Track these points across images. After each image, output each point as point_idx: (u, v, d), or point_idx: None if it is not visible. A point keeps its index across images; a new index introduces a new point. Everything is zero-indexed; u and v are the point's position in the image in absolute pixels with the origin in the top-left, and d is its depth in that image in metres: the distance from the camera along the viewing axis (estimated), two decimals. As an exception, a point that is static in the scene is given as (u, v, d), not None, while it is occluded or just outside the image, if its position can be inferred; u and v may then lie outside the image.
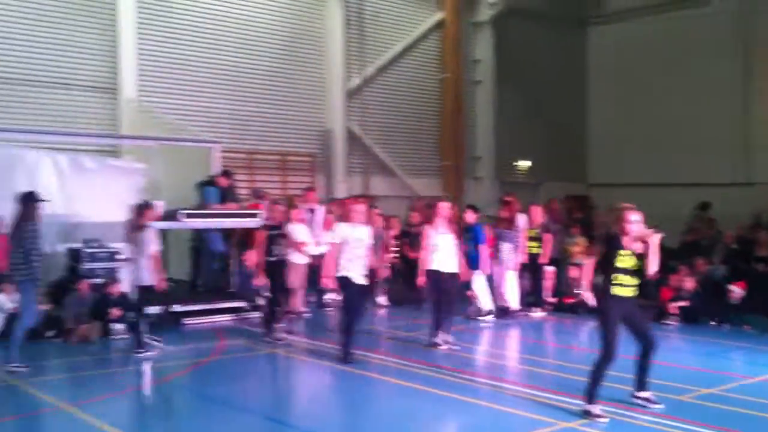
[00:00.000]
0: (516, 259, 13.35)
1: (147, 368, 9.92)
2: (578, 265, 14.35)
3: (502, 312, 13.10)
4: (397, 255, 14.99)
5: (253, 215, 13.07)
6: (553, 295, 14.15)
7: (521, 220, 13.58)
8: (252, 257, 12.93)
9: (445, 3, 21.69)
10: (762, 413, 7.48)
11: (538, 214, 13.98)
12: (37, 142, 13.89)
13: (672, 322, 12.63)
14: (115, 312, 11.11)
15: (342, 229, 9.88)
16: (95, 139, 15.51)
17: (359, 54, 19.97)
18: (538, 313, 13.49)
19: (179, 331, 12.14)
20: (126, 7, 16.34)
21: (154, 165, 14.36)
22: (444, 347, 10.48)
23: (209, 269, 13.96)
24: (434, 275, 10.62)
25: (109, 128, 16.21)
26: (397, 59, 21.11)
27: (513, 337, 12.21)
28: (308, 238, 13.37)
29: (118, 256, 12.11)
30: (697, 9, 21.55)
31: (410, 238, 14.68)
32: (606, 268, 7.36)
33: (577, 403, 7.50)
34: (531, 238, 13.65)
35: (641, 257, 7.34)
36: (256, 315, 12.69)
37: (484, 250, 12.53)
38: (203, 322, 12.55)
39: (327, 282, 10.01)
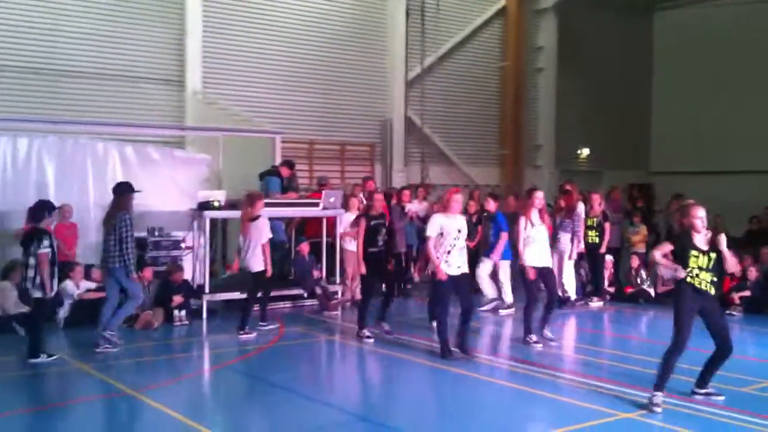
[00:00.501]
0: (574, 249, 13.22)
1: (209, 354, 10.19)
2: (639, 255, 14.21)
3: (561, 302, 13.00)
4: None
5: (315, 204, 13.22)
6: (613, 285, 13.99)
7: (580, 208, 13.43)
8: (305, 247, 13.16)
9: (507, -10, 21.55)
10: (825, 406, 7.33)
11: (598, 202, 13.80)
12: (106, 133, 14.28)
13: (735, 313, 12.39)
14: (178, 299, 11.39)
15: (438, 220, 9.32)
16: (161, 131, 15.90)
17: (420, 43, 20.00)
18: (596, 303, 13.36)
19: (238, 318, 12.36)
20: (193, 3, 16.67)
21: (217, 155, 14.67)
22: (539, 345, 9.92)
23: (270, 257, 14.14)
24: (536, 270, 9.98)
25: (175, 120, 16.60)
26: (458, 48, 21.08)
27: (571, 327, 12.12)
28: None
29: (181, 245, 12.41)
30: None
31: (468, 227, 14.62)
32: (682, 261, 7.26)
33: (636, 394, 7.47)
34: (590, 227, 13.47)
35: (715, 251, 7.25)
36: (312, 302, 12.86)
37: (503, 239, 12.24)
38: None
39: (440, 273, 9.19)
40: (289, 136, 16.49)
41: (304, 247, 13.14)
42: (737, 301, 12.52)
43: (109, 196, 12.86)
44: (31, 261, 9.11)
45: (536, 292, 10.16)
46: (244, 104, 17.23)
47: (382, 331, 10.61)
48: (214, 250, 12.95)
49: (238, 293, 12.55)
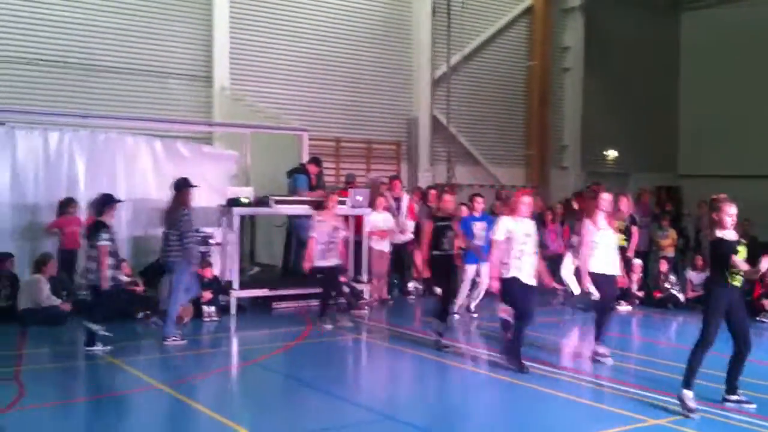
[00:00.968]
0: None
1: (237, 350, 10.26)
2: (668, 259, 14.13)
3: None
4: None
5: (341, 202, 13.25)
6: (642, 289, 13.92)
7: None
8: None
9: (534, -12, 21.47)
10: None
11: (625, 205, 13.70)
12: (135, 128, 14.38)
13: (765, 319, 12.29)
14: (207, 295, 11.47)
15: (506, 224, 8.72)
16: (189, 126, 15.99)
17: (446, 42, 19.94)
18: (625, 307, 13.30)
19: (269, 314, 12.45)
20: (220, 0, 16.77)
21: (244, 152, 14.74)
22: (609, 360, 9.25)
23: (297, 255, 14.21)
24: (597, 278, 9.16)
25: (203, 116, 16.69)
26: (484, 47, 21.01)
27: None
28: (393, 226, 13.59)
29: (210, 241, 12.49)
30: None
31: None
32: (720, 267, 7.26)
33: (666, 400, 7.44)
34: (618, 231, 13.37)
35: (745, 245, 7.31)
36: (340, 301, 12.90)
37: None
38: (291, 307, 12.82)
39: (494, 285, 8.77)
40: (315, 133, 16.52)
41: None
42: (768, 308, 12.44)
43: (139, 191, 13.18)
44: (93, 252, 9.34)
45: (610, 301, 9.36)
46: (271, 101, 17.27)
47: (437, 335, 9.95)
48: (242, 246, 12.98)
49: (266, 290, 12.67)
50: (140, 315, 11.29)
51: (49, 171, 12.62)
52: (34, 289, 10.78)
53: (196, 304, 11.38)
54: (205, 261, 12.05)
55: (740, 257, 7.21)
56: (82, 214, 12.35)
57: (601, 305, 9.30)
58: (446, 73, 20.03)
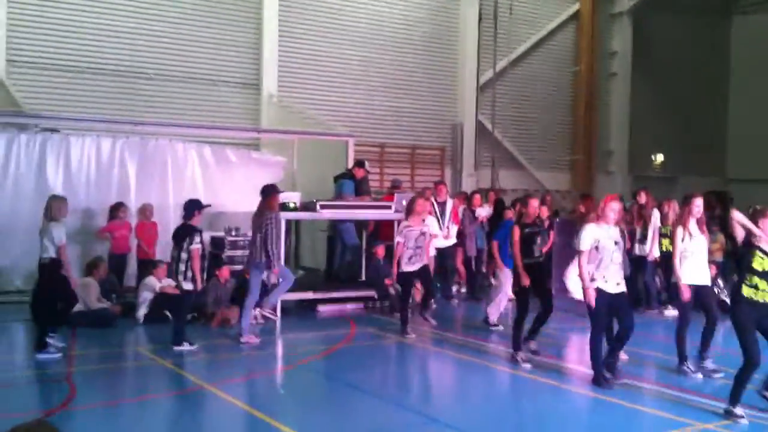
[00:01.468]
0: (650, 256, 13.03)
1: (283, 352, 10.39)
2: (716, 263, 13.89)
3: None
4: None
5: (387, 207, 13.34)
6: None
7: (655, 215, 13.24)
8: (381, 250, 13.24)
9: (581, -6, 21.38)
10: None
11: (672, 210, 13.55)
12: (185, 135, 14.66)
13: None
14: (254, 296, 11.59)
15: (592, 232, 8.16)
16: (238, 133, 16.24)
17: (492, 47, 19.97)
18: (671, 311, 13.12)
19: (313, 317, 12.57)
20: (270, 8, 17.03)
21: (291, 158, 14.92)
22: (699, 376, 8.81)
23: (342, 259, 14.33)
24: (692, 289, 8.64)
25: (250, 122, 16.97)
26: (530, 52, 21.00)
27: (646, 335, 11.95)
28: (437, 230, 13.60)
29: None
30: None
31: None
32: (741, 268, 7.15)
33: (713, 405, 7.37)
34: (663, 235, 13.26)
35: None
36: (384, 304, 12.97)
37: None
38: (335, 310, 12.92)
39: (588, 297, 8.12)
40: (360, 139, 16.66)
41: (380, 250, 13.24)
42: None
43: (188, 196, 13.36)
44: (183, 255, 9.65)
45: (689, 314, 8.87)
46: (317, 107, 17.49)
47: (527, 350, 9.49)
48: (287, 250, 13.14)
49: (311, 293, 12.80)
50: (188, 317, 11.44)
51: (100, 177, 12.96)
52: (84, 292, 11.04)
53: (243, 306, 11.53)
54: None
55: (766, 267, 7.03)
56: (132, 218, 12.63)
57: (687, 318, 8.82)
58: (492, 79, 20.03)
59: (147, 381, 8.83)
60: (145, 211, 12.65)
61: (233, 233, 12.90)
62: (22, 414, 5.44)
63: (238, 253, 12.72)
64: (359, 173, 14.44)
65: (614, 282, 8.11)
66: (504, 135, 20.34)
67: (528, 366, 9.04)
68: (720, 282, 13.50)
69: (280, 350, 10.73)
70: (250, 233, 12.69)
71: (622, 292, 8.19)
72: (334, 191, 14.22)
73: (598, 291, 8.06)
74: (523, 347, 9.34)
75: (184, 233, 9.75)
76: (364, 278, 13.71)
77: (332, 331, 11.31)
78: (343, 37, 18.22)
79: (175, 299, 11.38)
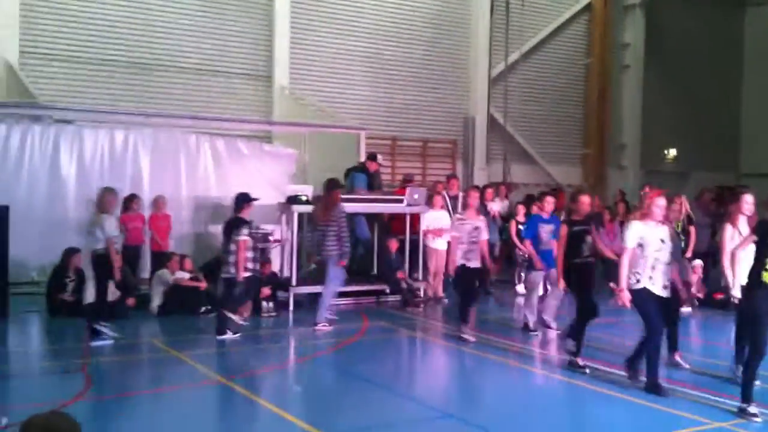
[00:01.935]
0: None
1: (295, 346, 10.43)
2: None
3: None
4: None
5: (399, 200, 13.34)
6: (701, 290, 13.66)
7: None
8: (394, 244, 13.25)
9: (594, -15, 21.29)
10: None
11: (681, 204, 13.31)
12: (197, 127, 14.67)
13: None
14: (266, 291, 11.65)
15: (637, 229, 7.78)
16: (249, 125, 16.27)
17: (504, 39, 19.91)
18: (684, 309, 13.08)
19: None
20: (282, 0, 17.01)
21: (303, 150, 14.92)
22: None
23: (354, 253, 14.33)
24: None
25: (262, 114, 16.98)
26: (542, 44, 20.94)
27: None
28: (449, 224, 13.59)
29: (269, 238, 12.68)
30: None
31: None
32: (758, 257, 7.04)
33: (727, 403, 7.35)
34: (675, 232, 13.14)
35: None
36: (395, 298, 12.97)
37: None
38: (347, 303, 12.95)
39: (623, 298, 7.73)
40: (372, 132, 16.66)
41: (393, 244, 13.25)
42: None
43: (200, 188, 13.46)
44: (231, 246, 9.97)
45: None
46: (329, 100, 17.49)
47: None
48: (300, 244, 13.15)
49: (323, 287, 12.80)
50: (202, 310, 11.51)
51: (114, 168, 12.96)
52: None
53: (255, 300, 11.58)
54: (264, 258, 12.25)
55: None
56: (146, 210, 12.67)
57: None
58: (503, 71, 19.98)
59: (161, 373, 8.88)
60: (158, 203, 12.68)
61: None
62: (38, 404, 5.47)
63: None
64: (372, 166, 14.45)
65: (661, 284, 7.73)
66: (516, 128, 20.30)
67: (587, 371, 8.54)
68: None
69: (293, 344, 10.76)
70: (264, 227, 12.84)
71: (668, 298, 7.84)
72: (346, 184, 14.23)
73: (646, 291, 7.68)
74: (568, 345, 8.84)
75: (233, 225, 10.13)
76: (376, 272, 13.73)
77: (345, 325, 11.32)
78: (355, 29, 18.20)
79: (191, 291, 11.50)
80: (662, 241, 7.75)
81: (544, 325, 10.79)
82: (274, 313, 11.69)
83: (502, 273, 15.18)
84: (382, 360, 9.57)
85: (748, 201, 8.24)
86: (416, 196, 13.43)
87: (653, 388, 7.75)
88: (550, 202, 10.94)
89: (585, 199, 9.12)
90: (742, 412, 7.05)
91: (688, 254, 13.14)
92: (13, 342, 10.34)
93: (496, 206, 15.04)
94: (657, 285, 7.70)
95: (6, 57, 14.67)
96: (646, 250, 7.68)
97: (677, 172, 22.13)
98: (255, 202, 10.48)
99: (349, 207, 13.28)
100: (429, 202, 13.68)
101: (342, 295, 12.96)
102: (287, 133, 16.25)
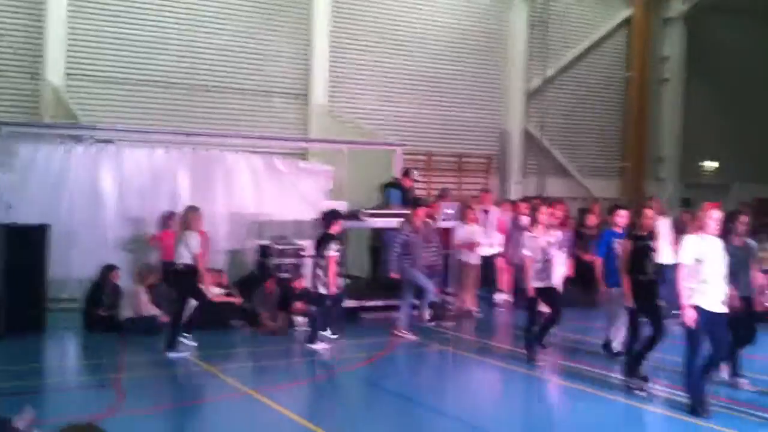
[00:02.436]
0: None
1: (327, 359, 10.56)
2: (766, 272, 13.62)
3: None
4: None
5: (432, 217, 13.40)
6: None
7: (663, 225, 11.97)
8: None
9: (634, -1, 21.13)
10: None
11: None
12: (235, 145, 14.92)
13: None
14: (299, 305, 11.82)
15: (693, 244, 7.59)
16: (286, 143, 16.51)
17: (541, 54, 19.91)
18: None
19: (358, 324, 12.71)
20: (319, 19, 17.34)
21: (339, 167, 15.10)
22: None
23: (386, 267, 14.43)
24: None
25: (299, 132, 17.23)
26: (580, 58, 20.90)
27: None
28: (482, 238, 13.64)
29: (302, 253, 12.86)
30: None
31: (584, 239, 14.32)
32: None
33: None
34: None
35: None
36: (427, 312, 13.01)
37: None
38: (379, 317, 13.04)
39: (687, 316, 7.47)
40: (408, 147, 16.77)
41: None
42: None
43: (237, 204, 13.69)
44: (321, 262, 10.42)
45: None
46: (365, 116, 17.68)
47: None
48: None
49: (355, 301, 12.94)
50: (235, 324, 11.71)
51: (153, 186, 13.25)
52: (134, 299, 11.36)
53: (289, 314, 11.75)
54: (297, 273, 12.43)
55: None
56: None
57: None
58: (540, 86, 19.97)
59: (193, 387, 9.09)
60: (196, 220, 12.93)
61: (280, 242, 13.09)
62: (72, 417, 5.67)
63: (285, 261, 12.89)
64: (406, 182, 14.56)
65: (717, 299, 7.49)
66: (552, 142, 20.26)
67: (643, 393, 8.31)
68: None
69: (324, 357, 10.88)
70: (298, 241, 13.04)
71: (723, 314, 7.56)
72: (382, 200, 14.38)
73: (697, 309, 7.44)
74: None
75: (322, 241, 10.54)
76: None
77: (375, 339, 11.42)
78: (391, 46, 18.38)
79: (225, 306, 11.72)
80: (720, 256, 7.54)
81: (610, 351, 10.11)
82: (307, 328, 11.82)
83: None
84: (413, 374, 9.69)
85: None
86: (449, 211, 13.50)
87: (699, 409, 7.49)
88: (623, 216, 9.92)
89: (650, 212, 8.75)
90: None
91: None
92: (49, 356, 10.64)
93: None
94: (713, 300, 7.45)
95: (52, 79, 15.14)
96: (702, 264, 7.46)
97: (717, 184, 21.83)
98: (339, 220, 10.88)
99: (384, 222, 13.47)
100: (462, 217, 13.74)
101: (372, 309, 13.10)
102: (324, 150, 16.45)
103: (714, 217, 7.53)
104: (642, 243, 8.51)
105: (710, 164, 22.29)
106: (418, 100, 18.59)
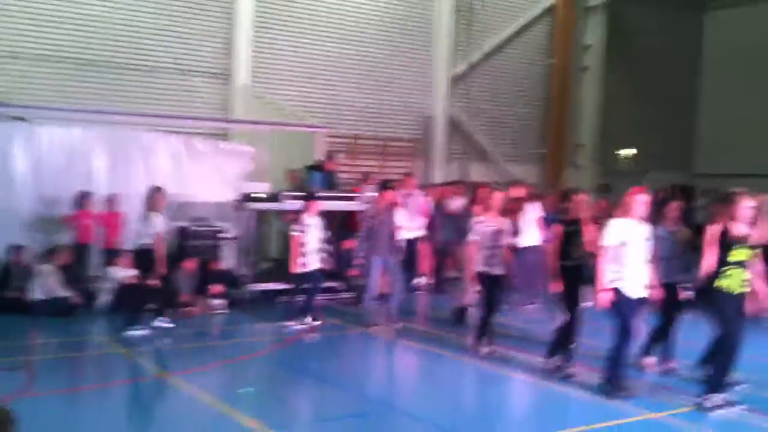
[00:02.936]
0: None
1: (245, 343, 10.50)
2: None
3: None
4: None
5: (353, 198, 13.44)
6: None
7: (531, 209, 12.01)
8: (349, 243, 13.30)
9: (557, -13, 21.49)
10: None
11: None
12: (155, 125, 14.62)
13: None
14: (217, 288, 11.70)
15: (618, 228, 7.55)
16: (207, 123, 16.26)
17: (466, 40, 20.07)
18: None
19: (278, 308, 12.65)
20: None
21: (262, 149, 14.95)
22: None
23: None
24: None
25: (221, 113, 16.98)
26: (504, 45, 21.12)
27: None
28: (405, 222, 13.68)
29: (222, 234, 12.71)
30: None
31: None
32: (718, 260, 7.17)
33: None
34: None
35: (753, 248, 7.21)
36: (348, 295, 13.04)
37: None
38: (299, 300, 13.01)
39: (602, 299, 7.51)
40: (333, 130, 16.73)
41: (348, 243, 13.31)
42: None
43: (156, 185, 13.40)
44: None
45: None
46: (290, 98, 17.53)
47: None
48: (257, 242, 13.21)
49: (276, 284, 12.88)
50: (151, 307, 11.50)
51: (68, 166, 12.86)
52: (45, 280, 11.07)
53: (207, 297, 11.63)
54: (215, 255, 12.29)
55: (742, 257, 7.13)
56: (98, 207, 12.64)
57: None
58: (465, 72, 20.14)
59: (107, 370, 8.89)
60: (111, 201, 12.66)
61: (198, 223, 12.91)
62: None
63: (204, 243, 12.70)
64: (329, 165, 14.56)
65: (640, 284, 7.56)
66: (476, 127, 20.48)
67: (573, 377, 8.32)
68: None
69: (242, 340, 10.82)
70: (218, 223, 12.89)
71: (643, 299, 7.67)
72: (304, 182, 14.33)
73: (620, 291, 7.49)
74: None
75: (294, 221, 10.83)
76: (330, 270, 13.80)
77: (296, 322, 11.39)
78: (317, 28, 18.25)
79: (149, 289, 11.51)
80: (644, 239, 7.56)
81: None
82: (225, 311, 11.73)
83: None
84: (330, 356, 9.68)
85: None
86: (372, 195, 13.51)
87: (613, 392, 7.61)
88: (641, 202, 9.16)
89: (580, 198, 8.69)
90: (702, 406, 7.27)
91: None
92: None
93: (454, 204, 15.13)
94: (636, 284, 7.52)
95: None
96: (626, 248, 7.46)
97: (633, 171, 22.42)
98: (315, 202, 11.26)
99: (302, 205, 13.38)
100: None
101: (296, 292, 13.04)
102: (246, 131, 16.25)
103: (640, 201, 7.54)
104: (569, 228, 8.49)
105: (627, 151, 22.87)
106: (343, 83, 18.52)
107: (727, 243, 7.12)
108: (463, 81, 20.17)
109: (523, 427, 7.29)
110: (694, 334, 8.09)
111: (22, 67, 15.20)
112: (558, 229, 8.58)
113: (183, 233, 12.90)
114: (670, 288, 8.25)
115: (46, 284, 11.07)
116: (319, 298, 12.96)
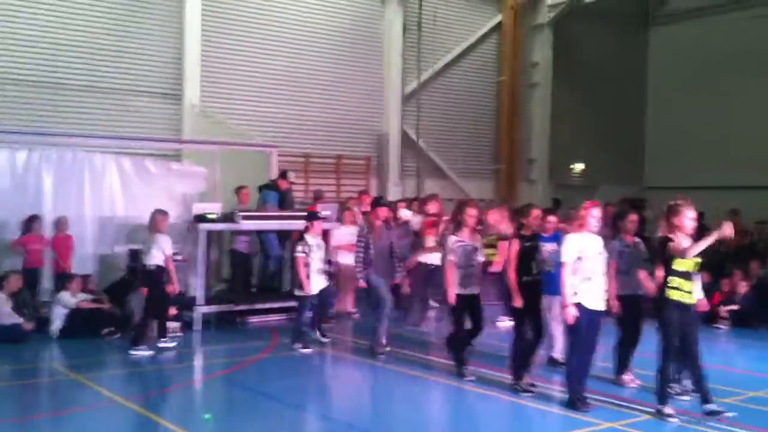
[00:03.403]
0: None
1: (201, 365, 10.34)
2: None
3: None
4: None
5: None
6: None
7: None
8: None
9: (504, 5, 21.75)
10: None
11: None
12: (104, 146, 14.34)
13: (722, 326, 12.59)
14: (171, 311, 11.49)
15: (575, 242, 7.65)
16: (158, 144, 16.05)
17: (417, 58, 20.19)
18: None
19: (235, 329, 12.51)
20: (192, 17, 16.86)
21: (214, 169, 14.82)
22: None
23: (263, 271, 14.30)
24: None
25: (172, 133, 16.75)
26: (454, 62, 21.26)
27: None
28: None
29: (175, 257, 12.50)
30: (765, 8, 20.81)
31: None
32: (664, 271, 7.30)
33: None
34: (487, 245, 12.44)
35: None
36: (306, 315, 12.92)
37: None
38: (257, 321, 12.89)
39: (568, 315, 7.56)
40: (285, 149, 16.64)
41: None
42: (725, 315, 12.70)
43: (106, 208, 13.21)
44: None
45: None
46: (241, 118, 17.39)
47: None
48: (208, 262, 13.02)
49: (231, 305, 12.74)
50: (105, 332, 11.28)
51: (15, 189, 12.59)
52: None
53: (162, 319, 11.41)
54: (169, 277, 12.08)
55: (687, 266, 7.26)
56: (47, 232, 12.37)
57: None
58: (416, 89, 20.25)
59: (61, 397, 8.68)
60: (60, 224, 12.40)
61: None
62: None
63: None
64: (283, 184, 14.50)
65: (597, 297, 7.64)
66: (429, 144, 20.56)
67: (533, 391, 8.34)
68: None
69: (198, 363, 10.66)
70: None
71: (602, 311, 7.75)
72: (258, 202, 14.23)
73: (579, 305, 7.54)
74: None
75: (297, 242, 10.92)
76: (288, 290, 13.70)
77: (253, 343, 11.30)
78: (267, 46, 18.16)
79: (93, 313, 11.29)
80: (599, 252, 7.64)
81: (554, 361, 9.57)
82: (179, 333, 11.53)
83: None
84: (289, 377, 9.55)
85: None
86: (327, 213, 13.46)
87: (577, 404, 7.67)
88: (551, 221, 9.38)
89: (536, 213, 8.71)
90: (658, 413, 7.39)
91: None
92: None
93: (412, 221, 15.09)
94: (593, 298, 7.59)
95: None
96: (583, 263, 7.54)
97: (584, 185, 22.73)
98: (316, 221, 11.23)
99: (260, 224, 13.31)
100: (341, 218, 13.77)
101: (252, 312, 12.93)
102: (197, 151, 16.07)
103: (594, 215, 7.62)
104: (527, 244, 8.47)
105: (578, 166, 23.19)
106: (295, 102, 18.44)
107: (671, 254, 7.25)
108: (415, 98, 20.26)
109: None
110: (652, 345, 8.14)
111: (-34, 89, 14.85)
112: (516, 243, 8.46)
113: (135, 256, 12.68)
114: (630, 300, 8.37)
115: (-5, 311, 10.78)
116: (276, 318, 12.96)
